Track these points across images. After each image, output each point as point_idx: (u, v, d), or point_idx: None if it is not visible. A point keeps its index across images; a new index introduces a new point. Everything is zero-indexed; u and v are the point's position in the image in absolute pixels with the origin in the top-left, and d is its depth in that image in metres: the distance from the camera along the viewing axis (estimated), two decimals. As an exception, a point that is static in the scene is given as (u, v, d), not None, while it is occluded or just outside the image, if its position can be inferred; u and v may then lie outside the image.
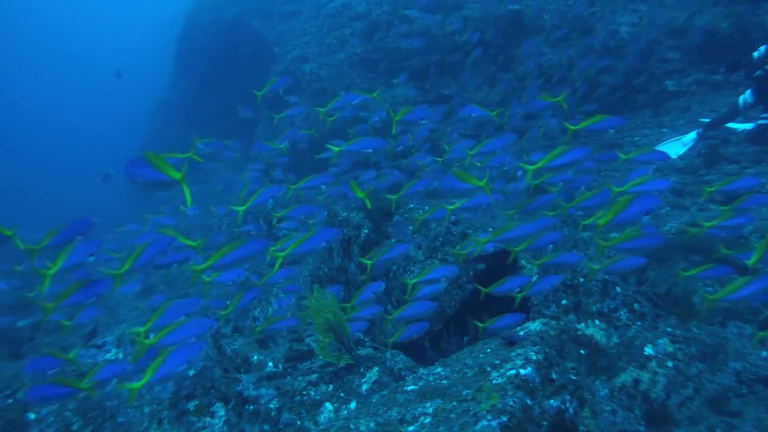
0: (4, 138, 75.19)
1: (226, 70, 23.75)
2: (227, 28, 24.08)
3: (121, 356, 6.03)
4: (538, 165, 5.62)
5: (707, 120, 11.06)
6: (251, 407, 5.77)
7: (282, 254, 5.57)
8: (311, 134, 12.82)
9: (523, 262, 7.20)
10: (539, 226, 5.63)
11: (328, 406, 5.38)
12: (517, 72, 15.20)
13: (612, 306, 6.18)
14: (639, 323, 6.15)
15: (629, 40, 14.47)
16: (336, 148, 6.75)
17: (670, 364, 5.83)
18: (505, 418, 3.22)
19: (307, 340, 7.75)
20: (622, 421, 5.46)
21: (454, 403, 3.48)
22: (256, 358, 6.76)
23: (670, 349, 5.93)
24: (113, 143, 53.28)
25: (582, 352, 5.80)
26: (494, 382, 3.59)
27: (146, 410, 5.90)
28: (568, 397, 3.70)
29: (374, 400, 4.11)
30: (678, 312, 6.35)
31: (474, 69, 16.16)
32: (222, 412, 5.78)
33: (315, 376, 5.82)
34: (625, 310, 6.18)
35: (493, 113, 7.95)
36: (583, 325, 6.01)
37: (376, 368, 5.67)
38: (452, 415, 3.34)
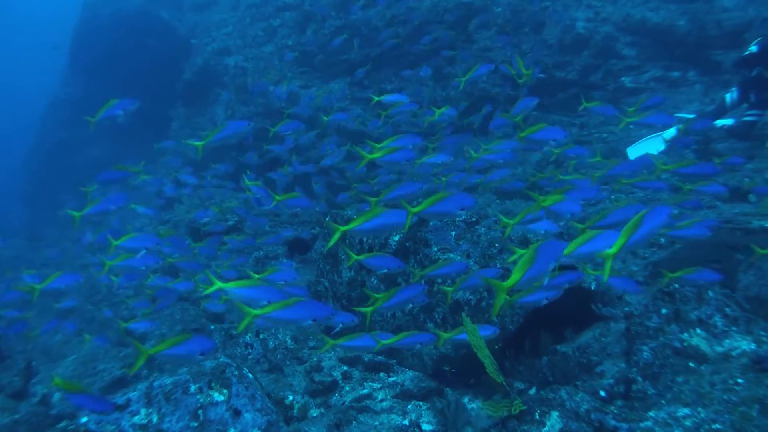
0: None
1: (131, 66, 21.83)
2: (131, 19, 22.20)
3: (155, 419, 4.54)
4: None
5: (691, 116, 10.70)
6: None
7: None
8: None
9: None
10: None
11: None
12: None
13: (708, 312, 5.46)
14: (734, 328, 5.46)
15: (586, 35, 14.07)
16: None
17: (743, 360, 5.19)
18: None
19: (323, 364, 6.58)
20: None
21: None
22: (291, 398, 5.55)
23: (771, 353, 5.28)
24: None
25: (691, 365, 5.02)
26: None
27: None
28: None
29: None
30: (765, 314, 5.72)
31: (419, 63, 15.36)
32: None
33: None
34: (719, 316, 5.48)
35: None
36: (686, 335, 5.24)
37: (555, 413, 4.51)
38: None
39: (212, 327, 6.85)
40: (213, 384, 4.70)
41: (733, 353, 4.13)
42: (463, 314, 4.90)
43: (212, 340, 4.11)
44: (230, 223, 11.17)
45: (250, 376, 5.03)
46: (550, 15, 14.81)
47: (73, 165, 23.08)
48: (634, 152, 10.64)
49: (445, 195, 4.70)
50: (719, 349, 5.24)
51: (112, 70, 22.27)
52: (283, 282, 5.56)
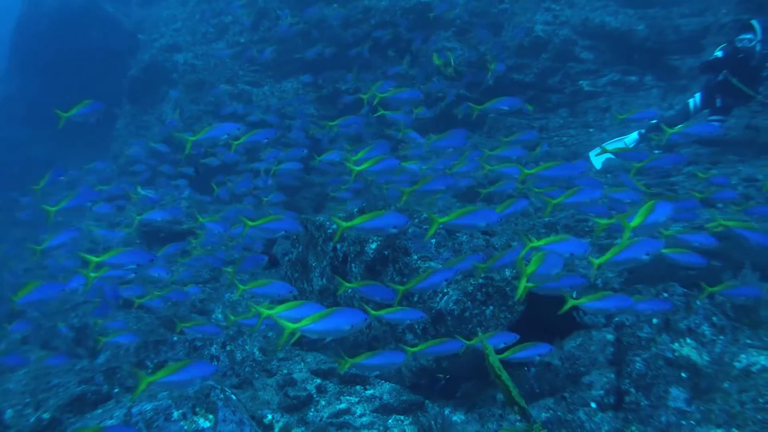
0: None
1: (75, 61, 21.00)
2: (76, 12, 21.32)
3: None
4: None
5: (654, 121, 10.67)
6: None
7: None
8: None
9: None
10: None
11: None
12: (425, 68, 14.28)
13: (696, 321, 5.34)
14: (722, 337, 5.35)
15: (545, 38, 14.01)
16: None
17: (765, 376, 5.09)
18: None
19: (294, 376, 6.23)
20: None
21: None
22: (270, 417, 5.19)
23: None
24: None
25: (683, 375, 4.87)
26: None
27: None
28: None
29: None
30: (748, 322, 5.66)
31: (376, 63, 15.14)
32: None
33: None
34: (707, 325, 5.37)
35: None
36: (677, 345, 5.09)
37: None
38: None
39: (175, 338, 6.42)
40: (197, 409, 4.29)
41: (753, 369, 3.97)
42: (480, 333, 4.66)
43: (213, 365, 3.80)
44: (183, 227, 10.73)
45: (234, 398, 4.63)
46: (509, 17, 14.76)
47: (7, 163, 22.19)
48: (596, 157, 10.57)
49: (474, 209, 4.76)
50: (742, 364, 5.12)
51: (54, 65, 21.40)
52: (277, 295, 5.26)
